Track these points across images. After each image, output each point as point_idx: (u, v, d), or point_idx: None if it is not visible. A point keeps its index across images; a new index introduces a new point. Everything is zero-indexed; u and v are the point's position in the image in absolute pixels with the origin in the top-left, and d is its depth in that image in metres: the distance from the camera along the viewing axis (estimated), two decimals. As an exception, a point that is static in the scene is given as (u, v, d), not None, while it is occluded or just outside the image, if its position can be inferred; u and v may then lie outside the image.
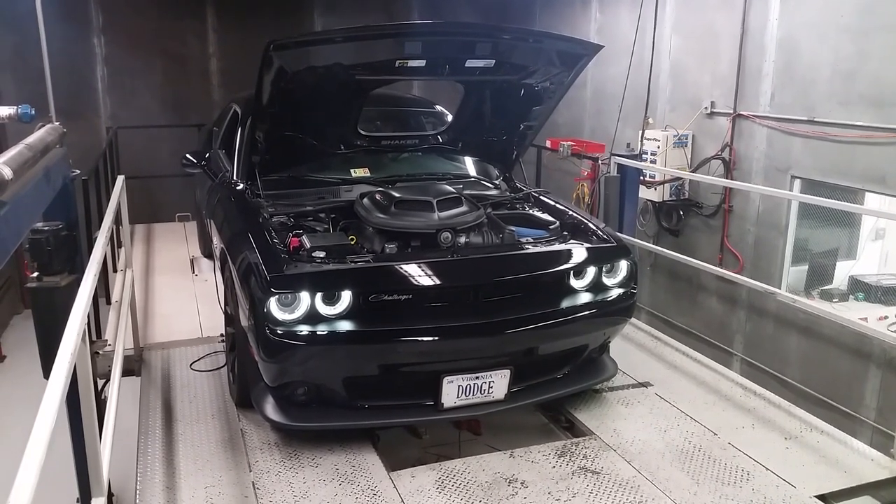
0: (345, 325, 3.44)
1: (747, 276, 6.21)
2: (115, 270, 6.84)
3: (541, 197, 4.77)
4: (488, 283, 3.65)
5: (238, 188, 4.53)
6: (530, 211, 4.57)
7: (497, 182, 5.03)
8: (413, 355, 3.56)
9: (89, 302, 2.54)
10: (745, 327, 6.82)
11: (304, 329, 3.38)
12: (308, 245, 3.72)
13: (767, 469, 3.54)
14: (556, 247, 3.99)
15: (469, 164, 5.17)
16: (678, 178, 7.04)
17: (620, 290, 3.96)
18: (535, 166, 7.74)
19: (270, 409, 3.61)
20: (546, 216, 4.43)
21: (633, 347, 5.02)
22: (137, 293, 6.25)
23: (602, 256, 3.94)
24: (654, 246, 5.89)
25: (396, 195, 4.04)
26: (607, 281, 3.95)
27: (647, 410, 4.11)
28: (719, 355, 6.87)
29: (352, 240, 3.99)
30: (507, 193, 4.85)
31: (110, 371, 4.97)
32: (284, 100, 3.99)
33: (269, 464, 3.54)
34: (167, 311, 5.77)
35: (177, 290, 6.21)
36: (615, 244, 4.05)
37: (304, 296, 3.39)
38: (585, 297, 3.86)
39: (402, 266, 3.63)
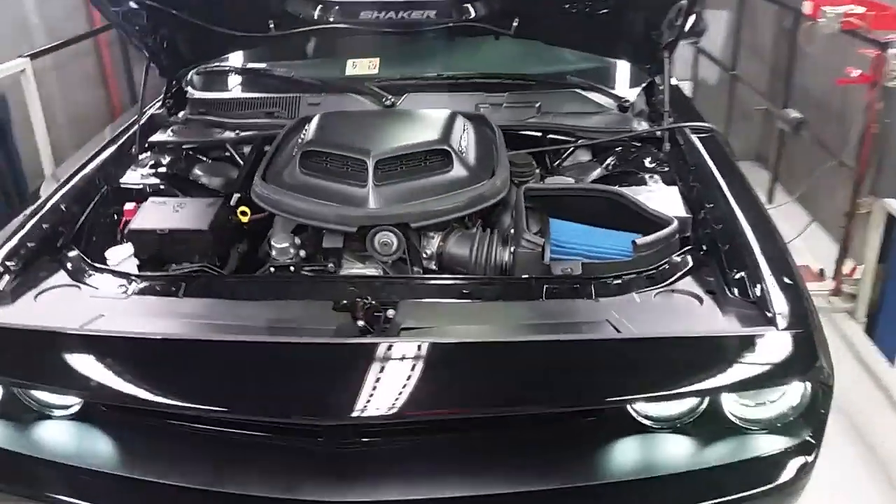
0: (64, 442, 1.60)
1: None
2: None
3: (693, 139, 2.30)
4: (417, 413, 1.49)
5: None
6: (638, 179, 2.17)
7: (625, 98, 2.56)
8: None
9: None
10: None
11: None
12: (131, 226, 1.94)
13: None
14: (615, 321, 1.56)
15: (576, 59, 2.71)
16: None
17: (779, 443, 1.53)
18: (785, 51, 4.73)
19: None
20: (667, 196, 2.02)
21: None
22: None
23: (739, 363, 1.46)
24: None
25: (312, 137, 1.97)
26: (746, 411, 1.55)
27: None
28: None
29: (243, 214, 2.06)
30: (631, 125, 2.41)
31: None
32: None
33: None
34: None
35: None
36: (792, 325, 1.50)
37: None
38: (673, 454, 1.52)
39: (211, 332, 1.62)
